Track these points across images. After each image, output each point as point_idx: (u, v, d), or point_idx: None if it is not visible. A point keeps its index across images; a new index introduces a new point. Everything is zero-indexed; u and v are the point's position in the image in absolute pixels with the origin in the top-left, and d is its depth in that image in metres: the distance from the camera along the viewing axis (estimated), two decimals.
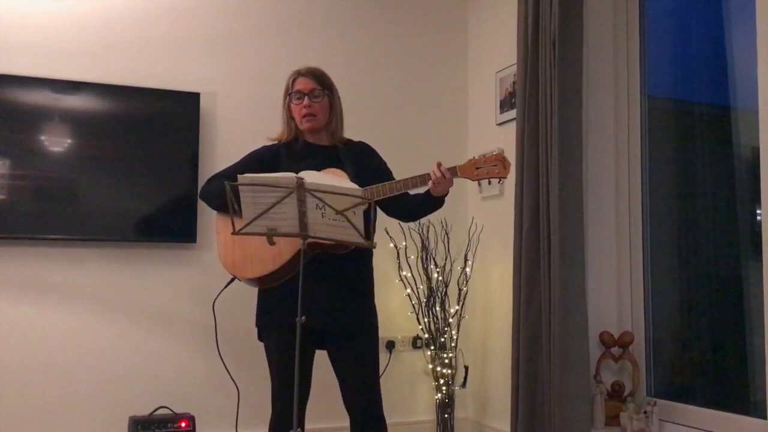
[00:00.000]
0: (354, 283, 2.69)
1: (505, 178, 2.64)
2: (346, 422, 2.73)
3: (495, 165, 2.60)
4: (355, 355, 2.69)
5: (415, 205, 2.77)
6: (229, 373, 3.15)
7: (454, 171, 2.61)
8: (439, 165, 2.60)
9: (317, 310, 2.51)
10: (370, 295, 2.77)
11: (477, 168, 2.62)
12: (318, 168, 2.58)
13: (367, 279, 2.76)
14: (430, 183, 2.60)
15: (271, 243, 2.54)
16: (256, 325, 2.77)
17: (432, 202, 2.71)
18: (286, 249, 2.59)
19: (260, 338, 2.79)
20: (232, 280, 2.75)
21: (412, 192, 2.68)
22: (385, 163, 2.88)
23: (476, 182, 2.66)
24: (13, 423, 3.32)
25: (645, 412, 2.99)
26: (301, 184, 2.26)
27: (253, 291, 2.79)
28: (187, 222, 3.53)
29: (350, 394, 2.69)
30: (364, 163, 2.75)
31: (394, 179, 2.72)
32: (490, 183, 2.67)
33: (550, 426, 3.05)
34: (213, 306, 2.94)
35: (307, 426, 2.30)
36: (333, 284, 2.62)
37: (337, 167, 2.66)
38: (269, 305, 2.72)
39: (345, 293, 2.65)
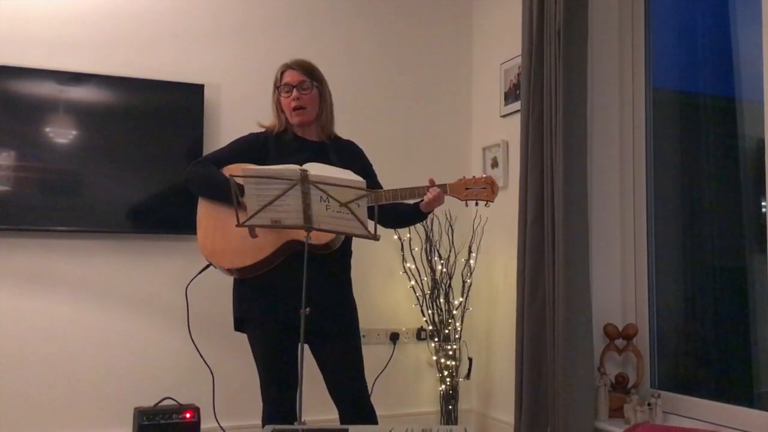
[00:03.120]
0: (336, 279, 2.69)
1: (492, 201, 2.66)
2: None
3: (484, 188, 2.63)
4: (341, 349, 2.68)
5: (401, 214, 2.76)
6: (202, 357, 3.13)
7: (444, 189, 2.63)
8: (432, 182, 2.62)
9: (300, 306, 2.44)
10: (349, 288, 2.77)
11: (467, 188, 2.64)
12: (303, 164, 2.46)
13: (347, 273, 2.77)
14: (424, 200, 2.62)
15: (253, 235, 2.52)
16: (235, 316, 2.74)
17: (420, 216, 2.72)
18: (267, 243, 2.58)
19: (237, 329, 2.76)
20: (208, 266, 2.75)
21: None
22: (371, 165, 2.86)
23: (463, 202, 2.69)
24: (19, 413, 3.34)
25: (649, 404, 2.99)
26: (305, 177, 2.25)
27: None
28: (193, 213, 3.51)
29: (338, 387, 2.69)
30: (350, 163, 2.70)
31: (379, 182, 2.75)
32: (477, 204, 2.70)
33: (554, 418, 3.06)
34: (186, 291, 2.92)
35: (303, 417, 2.30)
36: (315, 280, 2.52)
37: (323, 163, 2.58)
38: (249, 298, 2.69)
39: (327, 289, 2.63)
